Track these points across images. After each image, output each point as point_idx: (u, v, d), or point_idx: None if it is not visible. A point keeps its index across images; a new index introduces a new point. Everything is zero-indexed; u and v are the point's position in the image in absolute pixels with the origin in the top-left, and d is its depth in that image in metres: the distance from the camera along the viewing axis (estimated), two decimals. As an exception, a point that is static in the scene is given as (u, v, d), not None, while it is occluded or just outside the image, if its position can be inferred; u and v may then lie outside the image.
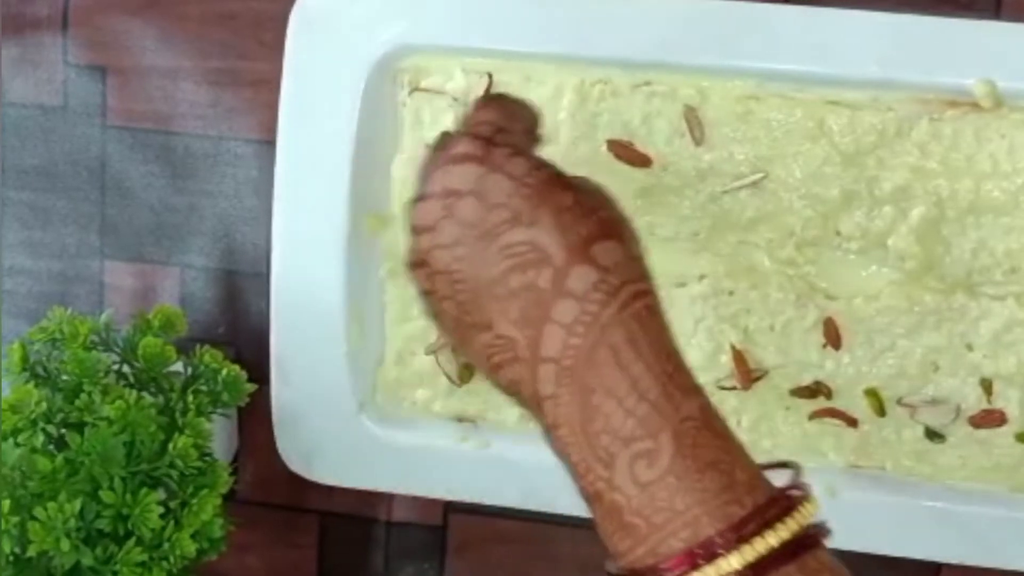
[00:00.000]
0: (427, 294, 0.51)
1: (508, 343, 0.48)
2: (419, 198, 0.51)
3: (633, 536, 0.46)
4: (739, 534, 0.44)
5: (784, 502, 0.46)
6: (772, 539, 0.44)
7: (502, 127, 0.52)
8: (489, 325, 0.48)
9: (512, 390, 0.49)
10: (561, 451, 0.47)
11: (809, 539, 0.46)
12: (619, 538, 0.46)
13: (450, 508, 0.78)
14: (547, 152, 0.71)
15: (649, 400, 0.46)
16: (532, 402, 0.48)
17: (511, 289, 0.48)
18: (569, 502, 0.72)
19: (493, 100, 0.54)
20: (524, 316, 0.47)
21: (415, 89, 0.72)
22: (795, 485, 0.48)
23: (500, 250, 0.48)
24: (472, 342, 0.50)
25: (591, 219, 0.48)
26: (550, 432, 0.48)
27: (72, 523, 0.62)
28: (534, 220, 0.48)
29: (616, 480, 0.45)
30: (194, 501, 0.66)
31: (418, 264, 0.51)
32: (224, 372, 0.70)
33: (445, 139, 0.53)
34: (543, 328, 0.47)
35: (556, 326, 0.47)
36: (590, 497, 0.47)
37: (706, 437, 0.46)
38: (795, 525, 0.45)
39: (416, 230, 0.51)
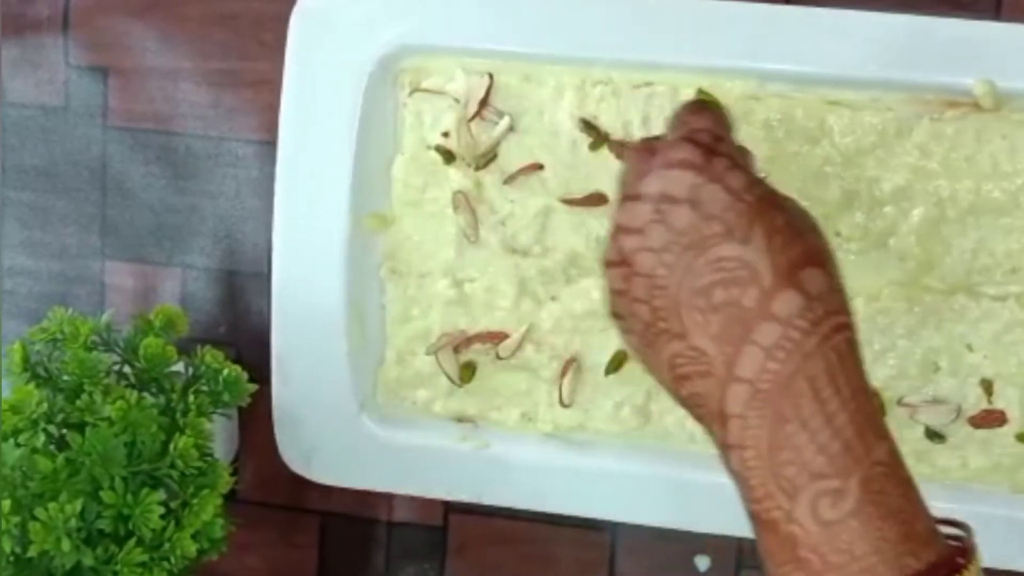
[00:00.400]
0: (619, 293, 0.51)
1: (700, 356, 0.47)
2: (629, 197, 0.50)
3: (806, 571, 0.45)
4: None
5: (955, 561, 0.46)
6: None
7: (719, 135, 0.51)
8: (683, 335, 0.48)
9: (692, 402, 0.49)
10: (740, 472, 0.47)
11: None
12: (789, 569, 0.46)
13: (450, 508, 0.78)
14: (548, 152, 0.71)
15: (842, 439, 0.45)
16: (714, 418, 0.47)
17: (714, 303, 0.47)
18: (569, 503, 0.73)
19: (705, 106, 0.53)
20: (723, 332, 0.47)
21: (415, 89, 0.72)
22: (965, 540, 0.47)
23: (708, 263, 0.47)
24: (660, 349, 0.49)
25: (801, 243, 0.48)
26: (729, 451, 0.47)
27: (73, 523, 0.62)
28: (747, 237, 0.47)
29: (796, 513, 0.45)
30: (195, 501, 0.66)
31: (617, 263, 0.50)
32: (225, 372, 0.70)
33: (651, 139, 0.52)
34: (742, 347, 0.46)
35: (756, 347, 0.46)
36: (763, 523, 0.46)
37: (892, 484, 0.46)
38: None
39: (623, 230, 0.50)
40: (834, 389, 0.46)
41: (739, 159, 0.50)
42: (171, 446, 0.65)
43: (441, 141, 0.72)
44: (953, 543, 0.47)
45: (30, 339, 0.69)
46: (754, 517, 0.47)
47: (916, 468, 0.69)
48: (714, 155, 0.49)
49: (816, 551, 0.45)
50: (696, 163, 0.49)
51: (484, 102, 0.71)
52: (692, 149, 0.49)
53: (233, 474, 0.69)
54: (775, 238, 0.47)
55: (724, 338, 0.47)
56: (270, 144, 0.74)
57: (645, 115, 0.70)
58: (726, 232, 0.47)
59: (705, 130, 0.51)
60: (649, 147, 0.52)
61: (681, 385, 0.49)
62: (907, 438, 0.69)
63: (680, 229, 0.48)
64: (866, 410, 0.46)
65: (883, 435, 0.46)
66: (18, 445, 0.65)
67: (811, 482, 0.45)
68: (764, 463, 0.46)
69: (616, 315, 0.52)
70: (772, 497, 0.45)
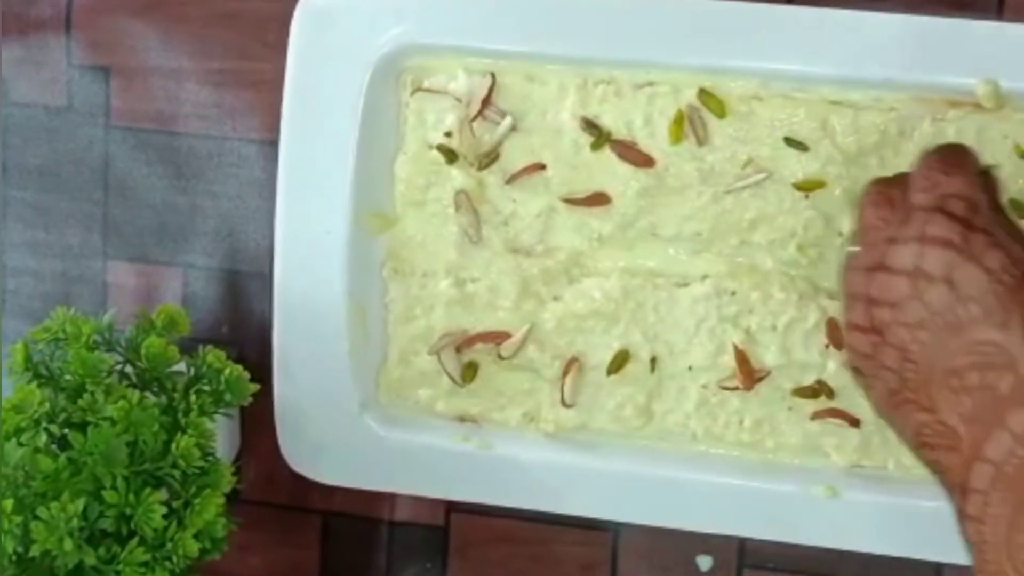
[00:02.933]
0: (865, 357, 0.51)
1: (948, 432, 0.47)
2: (881, 267, 0.50)
3: None
4: None
5: None
6: None
7: (974, 201, 0.50)
8: (932, 409, 0.48)
9: (935, 468, 0.49)
10: (975, 543, 0.47)
11: None
12: None
13: (452, 508, 0.78)
14: (550, 152, 0.71)
15: None
16: (956, 488, 0.47)
17: (967, 385, 0.47)
18: (571, 502, 0.73)
19: (957, 161, 0.51)
20: (975, 414, 0.47)
21: (418, 89, 0.72)
22: None
23: (964, 345, 0.47)
24: (906, 416, 0.49)
25: None
26: (967, 521, 0.47)
27: (75, 523, 0.62)
28: (1005, 322, 0.47)
29: None
30: (197, 501, 0.66)
31: (866, 329, 0.50)
32: (227, 372, 0.70)
33: (891, 183, 0.52)
34: (992, 431, 0.46)
35: (1007, 433, 0.46)
36: None
37: None
38: None
39: (876, 302, 0.50)
40: None
41: (996, 233, 0.49)
42: (173, 446, 0.65)
43: (443, 141, 0.72)
44: None
45: (32, 339, 0.69)
46: None
47: (918, 468, 0.69)
48: (972, 231, 0.49)
49: None
50: (954, 242, 0.48)
51: (486, 102, 0.71)
52: (950, 225, 0.49)
53: (235, 474, 0.68)
54: None
55: (975, 419, 0.47)
56: (272, 144, 0.74)
57: (647, 114, 0.70)
58: (984, 315, 0.47)
59: (961, 197, 0.50)
60: (891, 198, 0.51)
61: (925, 451, 0.49)
62: (909, 438, 0.69)
63: (937, 308, 0.48)
64: None
65: None
66: (20, 444, 0.65)
67: None
68: (1000, 541, 0.45)
69: (858, 371, 0.52)
70: (1004, 574, 0.45)
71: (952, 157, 0.52)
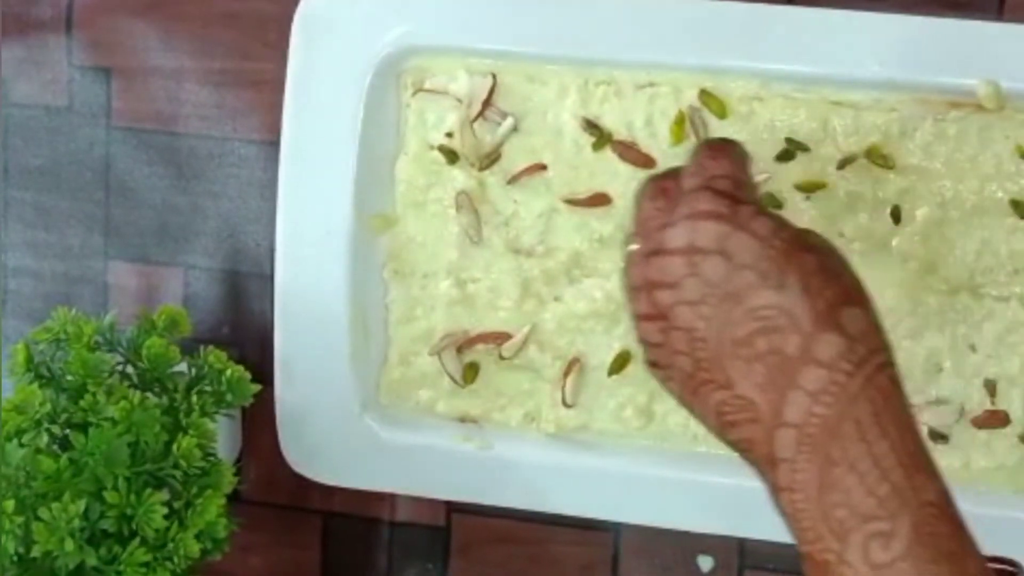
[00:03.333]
0: (657, 346, 0.51)
1: (747, 404, 0.48)
2: (658, 251, 0.50)
3: None
4: None
5: None
6: None
7: (740, 180, 0.51)
8: (728, 384, 0.48)
9: (742, 446, 0.49)
10: (790, 514, 0.47)
11: None
12: None
13: (453, 508, 0.78)
14: (551, 152, 0.71)
15: (891, 481, 0.45)
16: (764, 461, 0.48)
17: (756, 352, 0.47)
18: (572, 503, 0.73)
19: (722, 148, 0.53)
20: (768, 380, 0.47)
21: (419, 90, 0.72)
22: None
23: (747, 312, 0.47)
24: (705, 397, 0.49)
25: (836, 283, 0.48)
26: (779, 493, 0.47)
27: (76, 523, 0.62)
28: (781, 283, 0.47)
29: (847, 555, 0.45)
30: (198, 501, 0.66)
31: (652, 316, 0.51)
32: (228, 373, 0.70)
33: (663, 177, 0.52)
34: (788, 394, 0.46)
35: (801, 393, 0.46)
36: (815, 565, 0.46)
37: (943, 525, 0.45)
38: None
39: (656, 284, 0.50)
40: (881, 430, 0.46)
41: (762, 204, 0.50)
42: (174, 446, 0.65)
43: (444, 141, 0.72)
44: None
45: (34, 339, 0.69)
46: (806, 558, 0.47)
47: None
48: (738, 203, 0.49)
49: None
50: (722, 213, 0.49)
51: (487, 102, 0.71)
52: (716, 199, 0.49)
53: (236, 474, 0.69)
54: (810, 281, 0.47)
55: (769, 386, 0.47)
56: (273, 144, 0.74)
57: (648, 115, 0.70)
58: (760, 280, 0.47)
59: (725, 176, 0.51)
60: (664, 188, 0.52)
61: (729, 431, 0.49)
62: (910, 439, 0.69)
63: (715, 281, 0.48)
64: (914, 449, 0.46)
65: (933, 474, 0.46)
66: (22, 445, 0.65)
67: (861, 524, 0.45)
68: (814, 505, 0.46)
69: (654, 364, 0.52)
70: (823, 539, 0.45)
71: (719, 145, 0.53)
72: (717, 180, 0.50)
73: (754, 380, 0.47)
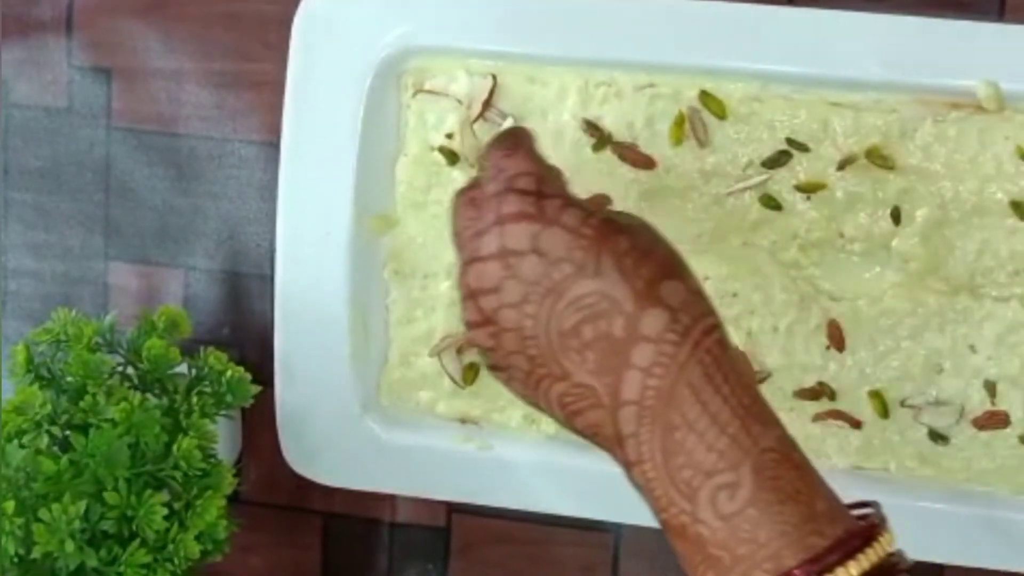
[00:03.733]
0: (492, 351, 0.52)
1: (586, 391, 0.49)
2: (473, 260, 0.51)
3: (717, 568, 0.46)
4: (821, 565, 0.45)
5: (864, 533, 0.46)
6: (853, 569, 0.45)
7: (540, 173, 0.52)
8: (565, 375, 0.49)
9: (590, 432, 0.50)
10: (643, 486, 0.48)
11: (889, 568, 0.46)
12: (703, 570, 0.47)
13: (453, 509, 0.78)
14: (551, 153, 0.71)
15: (729, 434, 0.46)
16: (612, 442, 0.49)
17: (585, 340, 0.48)
18: (572, 503, 0.73)
19: (513, 143, 0.53)
20: (601, 365, 0.48)
21: (419, 91, 0.72)
22: (872, 515, 0.48)
23: (569, 304, 0.48)
24: (546, 392, 0.50)
25: (651, 260, 0.49)
26: (631, 468, 0.48)
27: (76, 525, 0.62)
28: (598, 270, 0.48)
29: (699, 513, 0.46)
30: (198, 502, 0.66)
31: (481, 323, 0.51)
32: (228, 374, 0.70)
33: (470, 188, 0.53)
34: (622, 374, 0.47)
35: (634, 370, 0.47)
36: (674, 530, 0.47)
37: (785, 468, 0.47)
38: (875, 556, 0.46)
39: (477, 292, 0.51)
40: (714, 389, 0.47)
41: (565, 193, 0.51)
42: (174, 447, 0.65)
43: (445, 142, 0.72)
44: (862, 521, 0.48)
45: (34, 340, 0.69)
46: (665, 527, 0.48)
47: (919, 470, 0.70)
48: (544, 198, 0.50)
49: (724, 546, 0.46)
50: (529, 212, 0.50)
51: (487, 103, 0.71)
52: (521, 199, 0.50)
53: (236, 475, 0.69)
54: (625, 262, 0.48)
55: (604, 370, 0.48)
56: (274, 145, 0.74)
57: (648, 116, 0.70)
58: (577, 271, 0.48)
59: (525, 173, 0.51)
60: (473, 198, 0.52)
61: (575, 419, 0.50)
62: (910, 440, 0.69)
63: (533, 279, 0.49)
64: (748, 402, 0.48)
65: (770, 422, 0.48)
66: (22, 446, 0.65)
67: (706, 480, 0.46)
68: (661, 472, 0.47)
69: (494, 368, 0.53)
70: (675, 503, 0.47)
71: (509, 140, 0.54)
72: (518, 179, 0.51)
73: (588, 367, 0.48)
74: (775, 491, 0.46)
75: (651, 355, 0.47)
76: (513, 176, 0.51)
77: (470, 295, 0.51)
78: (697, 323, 0.48)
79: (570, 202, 0.50)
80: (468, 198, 0.53)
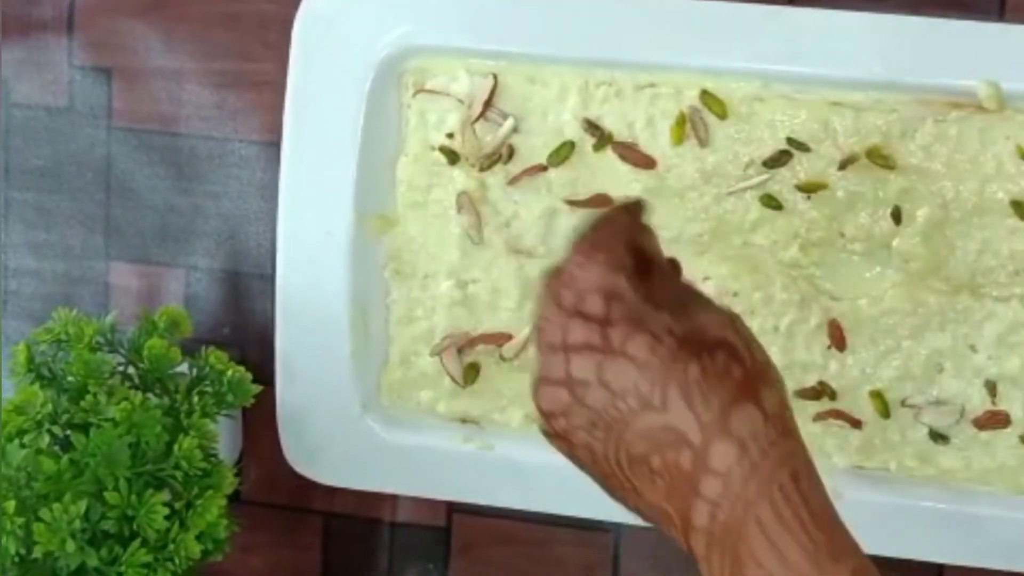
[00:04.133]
0: (571, 458, 0.52)
1: (659, 510, 0.49)
2: (544, 379, 0.50)
3: None
4: None
5: None
6: None
7: (613, 291, 0.50)
8: (638, 494, 0.49)
9: (668, 538, 0.50)
10: None
11: None
12: None
13: (454, 509, 0.78)
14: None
15: (799, 574, 0.46)
16: (689, 553, 0.49)
17: (654, 468, 0.48)
18: (572, 503, 0.73)
19: (589, 244, 0.51)
20: (671, 491, 0.48)
21: (419, 90, 0.72)
22: None
23: (637, 434, 0.48)
24: (622, 500, 0.51)
25: (724, 385, 0.47)
26: None
27: (77, 524, 0.62)
28: (664, 404, 0.47)
29: None
30: (199, 502, 0.66)
31: (554, 436, 0.51)
32: (229, 373, 0.70)
33: (550, 285, 0.51)
34: (691, 502, 0.47)
35: (703, 501, 0.47)
36: None
37: None
38: None
39: (548, 413, 0.51)
40: (783, 527, 0.46)
41: (638, 312, 0.49)
42: (175, 447, 0.65)
43: (445, 142, 0.72)
44: None
45: (35, 340, 0.69)
46: None
47: (920, 469, 0.70)
48: (610, 326, 0.49)
49: None
50: (594, 344, 0.49)
51: (488, 103, 0.71)
52: (586, 327, 0.49)
53: (237, 475, 0.69)
54: (693, 392, 0.47)
55: (673, 496, 0.48)
56: (274, 145, 0.74)
57: (649, 116, 0.70)
58: (642, 405, 0.48)
59: (596, 290, 0.50)
60: (554, 292, 0.51)
61: (656, 526, 0.50)
62: (911, 439, 0.70)
63: (599, 408, 0.49)
64: (822, 539, 0.46)
65: (844, 555, 0.47)
66: (23, 446, 0.65)
67: None
68: None
69: (579, 466, 0.53)
70: None
71: (586, 240, 0.52)
72: (586, 299, 0.50)
73: (659, 492, 0.48)
74: None
75: (719, 489, 0.46)
76: (582, 292, 0.50)
77: (544, 412, 0.51)
78: (768, 455, 0.47)
79: (640, 327, 0.49)
80: (552, 290, 0.51)
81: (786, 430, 0.48)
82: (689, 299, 0.51)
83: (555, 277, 0.52)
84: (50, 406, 0.66)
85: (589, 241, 0.51)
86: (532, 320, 0.53)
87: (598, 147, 0.70)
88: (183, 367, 0.71)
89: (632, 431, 0.48)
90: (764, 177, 0.69)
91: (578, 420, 0.49)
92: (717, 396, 0.47)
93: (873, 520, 0.68)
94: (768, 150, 0.69)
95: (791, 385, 0.70)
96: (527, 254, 0.72)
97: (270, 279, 0.76)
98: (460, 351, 0.73)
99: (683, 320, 0.49)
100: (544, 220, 0.72)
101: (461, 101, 0.71)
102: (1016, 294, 0.68)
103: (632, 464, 0.48)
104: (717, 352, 0.48)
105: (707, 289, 0.70)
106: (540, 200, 0.72)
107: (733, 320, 0.50)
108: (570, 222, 0.71)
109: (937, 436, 0.69)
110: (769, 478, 0.46)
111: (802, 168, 0.69)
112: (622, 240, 0.51)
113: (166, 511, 0.64)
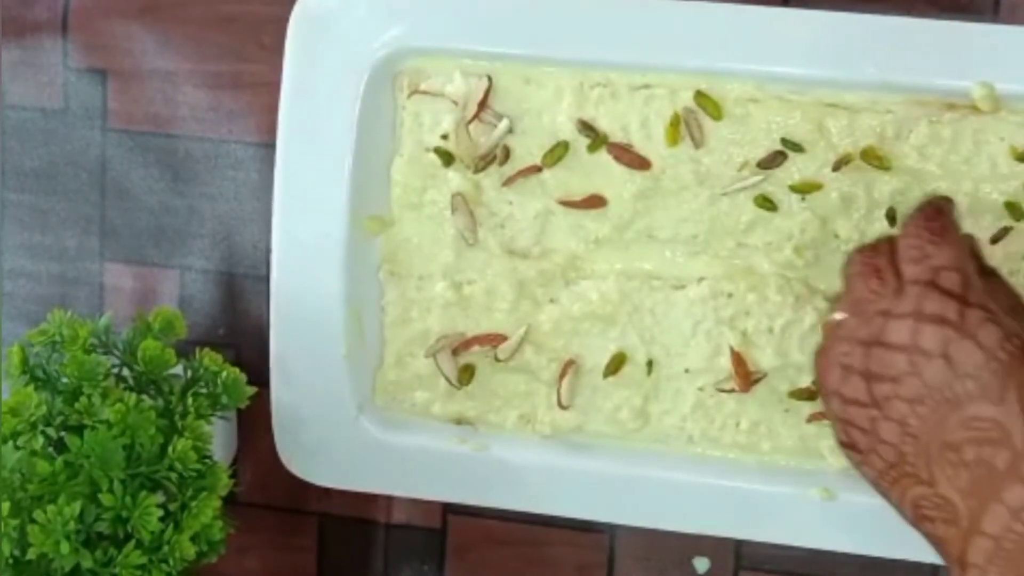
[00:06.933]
0: (861, 431, 0.51)
1: (946, 504, 0.48)
2: (877, 343, 0.50)
3: None
4: None
5: None
6: None
7: (967, 275, 0.50)
8: (931, 482, 0.49)
9: (933, 540, 0.49)
10: None
11: None
12: None
13: (449, 510, 0.78)
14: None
15: None
16: (954, 560, 0.48)
17: (964, 459, 0.48)
18: (567, 505, 0.73)
19: (939, 226, 0.52)
20: (972, 488, 0.47)
21: (414, 92, 0.72)
22: None
23: (961, 420, 0.48)
24: (903, 490, 0.50)
25: None
26: None
27: (72, 526, 0.62)
28: (1001, 398, 0.47)
29: None
30: (194, 504, 0.66)
31: (864, 404, 0.51)
32: (224, 375, 0.70)
33: (874, 252, 0.52)
34: (989, 505, 0.47)
35: (1003, 507, 0.46)
36: None
37: None
38: None
39: (875, 377, 0.50)
40: None
41: (991, 307, 0.50)
42: (170, 448, 0.65)
43: (440, 143, 0.72)
44: None
45: (29, 341, 0.69)
46: None
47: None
48: (967, 306, 0.49)
49: None
50: (949, 319, 0.49)
51: (483, 104, 0.71)
52: (944, 300, 0.49)
53: (232, 476, 0.68)
54: None
55: (972, 493, 0.47)
56: (269, 146, 0.74)
57: (644, 117, 0.70)
58: (980, 392, 0.48)
59: (953, 269, 0.50)
60: (877, 267, 0.51)
61: (923, 524, 0.50)
62: (905, 440, 0.70)
63: (934, 384, 0.48)
64: None
65: None
66: (17, 447, 0.65)
67: None
68: None
69: (850, 446, 0.52)
70: None
71: (937, 221, 0.53)
72: (943, 275, 0.50)
73: (957, 484, 0.48)
74: None
75: None
76: (939, 269, 0.50)
77: (864, 375, 0.51)
78: None
79: (992, 318, 0.49)
80: (872, 266, 0.52)
81: None
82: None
83: (876, 249, 0.53)
84: (44, 408, 0.66)
85: (933, 223, 0.52)
86: (846, 285, 0.53)
87: (593, 148, 0.70)
88: (178, 368, 0.71)
89: (958, 415, 0.48)
90: (759, 178, 0.69)
91: (907, 391, 0.49)
92: None
93: (867, 521, 0.68)
94: (762, 151, 0.69)
95: (785, 386, 0.70)
96: (521, 255, 0.72)
97: (265, 280, 0.76)
98: (455, 352, 0.73)
99: None
100: (539, 221, 0.72)
101: (456, 102, 0.71)
102: (1010, 295, 0.68)
103: (943, 449, 0.48)
104: None
105: (701, 290, 0.70)
106: (535, 201, 0.72)
107: None
108: (564, 223, 0.71)
109: (932, 437, 0.69)
110: None
111: (796, 169, 0.69)
112: (960, 232, 0.52)
113: (160, 513, 0.64)
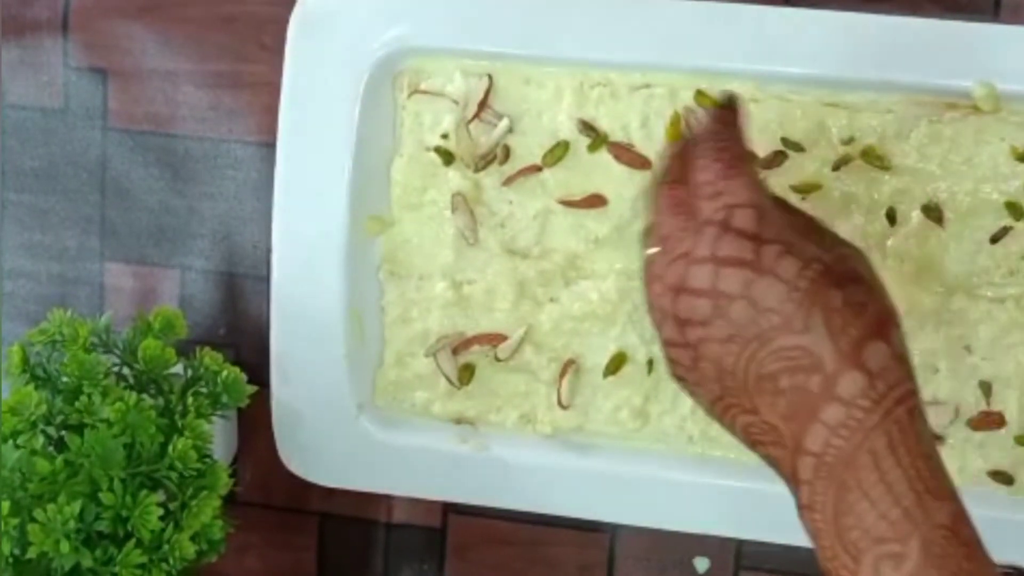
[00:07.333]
0: (686, 369, 0.52)
1: (772, 429, 0.50)
2: (683, 290, 0.51)
3: None
4: None
5: None
6: None
7: (761, 209, 0.51)
8: (754, 411, 0.50)
9: (769, 462, 0.51)
10: (812, 531, 0.49)
11: None
12: None
13: (449, 510, 0.78)
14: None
15: (902, 506, 0.47)
16: (789, 478, 0.50)
17: (780, 388, 0.49)
18: (568, 504, 0.73)
19: (731, 158, 0.53)
20: (791, 412, 0.49)
21: (414, 91, 0.72)
22: None
23: (772, 353, 0.49)
24: (732, 418, 0.51)
25: (861, 318, 0.49)
26: (802, 510, 0.49)
27: (72, 525, 0.62)
28: (806, 326, 0.48)
29: (861, 574, 0.47)
30: (194, 503, 0.66)
31: (681, 346, 0.52)
32: (224, 374, 0.70)
33: (670, 189, 0.53)
34: (808, 426, 0.48)
35: (821, 426, 0.48)
36: None
37: (954, 546, 0.47)
38: None
39: (684, 321, 0.51)
40: (895, 460, 0.47)
41: (786, 237, 0.50)
42: (170, 448, 0.65)
43: (440, 143, 0.72)
44: None
45: (29, 341, 0.69)
46: (825, 574, 0.49)
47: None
48: (762, 243, 0.50)
49: None
50: (746, 260, 0.50)
51: (483, 104, 0.71)
52: (740, 243, 0.50)
53: (232, 476, 0.69)
54: (834, 319, 0.49)
55: (792, 417, 0.49)
56: (269, 146, 0.74)
57: (644, 116, 0.70)
58: (784, 323, 0.49)
59: (746, 206, 0.51)
60: (679, 200, 0.52)
61: (756, 447, 0.51)
62: (906, 440, 0.70)
63: (740, 323, 0.50)
64: (927, 475, 0.48)
65: (946, 497, 0.48)
66: (17, 447, 0.65)
67: (873, 546, 0.47)
68: (831, 526, 0.48)
69: (681, 380, 0.54)
70: (839, 557, 0.48)
71: (730, 150, 0.54)
72: (737, 214, 0.51)
73: (778, 411, 0.49)
74: (940, 568, 0.46)
75: (840, 416, 0.48)
76: (733, 207, 0.51)
77: (675, 319, 0.52)
78: (892, 391, 0.48)
79: (789, 249, 0.50)
80: (675, 198, 0.53)
81: (908, 371, 0.49)
82: (823, 230, 0.52)
83: (676, 181, 0.54)
84: (45, 407, 0.66)
85: (730, 153, 0.53)
86: (647, 225, 0.54)
87: (593, 148, 0.70)
88: (178, 368, 0.71)
89: (768, 348, 0.49)
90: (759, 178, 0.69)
91: (715, 332, 0.50)
92: (854, 327, 0.48)
93: (868, 521, 0.68)
94: (763, 151, 0.69)
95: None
96: (522, 255, 0.72)
97: (265, 280, 0.76)
98: (455, 352, 0.73)
99: (826, 249, 0.50)
100: (539, 221, 0.72)
101: (456, 102, 0.71)
102: (1011, 295, 0.68)
103: (759, 380, 0.49)
104: (857, 285, 0.50)
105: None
106: (535, 201, 0.72)
107: (865, 257, 0.52)
108: (564, 223, 0.71)
109: (932, 437, 0.69)
110: (889, 413, 0.48)
111: (796, 169, 0.69)
112: (748, 155, 0.53)
113: (161, 512, 0.64)
